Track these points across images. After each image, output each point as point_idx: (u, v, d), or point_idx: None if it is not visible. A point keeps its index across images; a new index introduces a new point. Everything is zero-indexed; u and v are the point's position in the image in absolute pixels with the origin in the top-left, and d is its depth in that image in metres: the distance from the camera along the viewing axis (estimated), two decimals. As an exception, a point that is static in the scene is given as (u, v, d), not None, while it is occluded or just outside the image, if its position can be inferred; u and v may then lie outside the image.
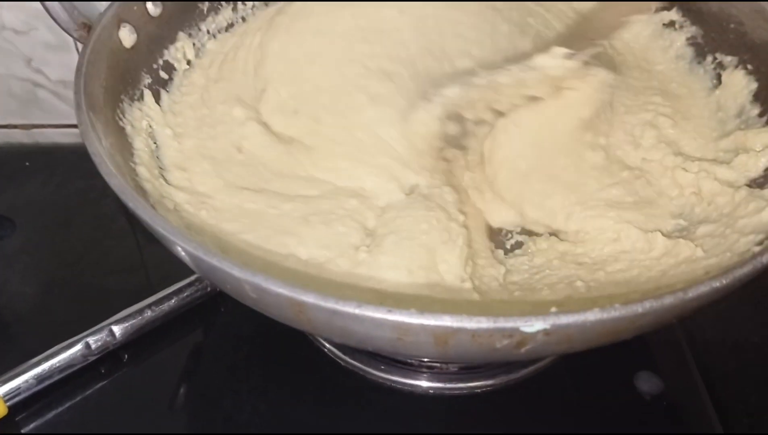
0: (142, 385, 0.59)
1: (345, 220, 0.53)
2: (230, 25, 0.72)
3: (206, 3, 0.69)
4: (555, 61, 0.56)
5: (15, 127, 0.87)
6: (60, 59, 0.81)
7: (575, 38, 0.63)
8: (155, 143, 0.59)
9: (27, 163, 0.80)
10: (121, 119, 0.56)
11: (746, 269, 0.40)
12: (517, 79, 0.57)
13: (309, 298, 0.38)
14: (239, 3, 0.72)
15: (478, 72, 0.58)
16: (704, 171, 0.58)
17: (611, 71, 0.61)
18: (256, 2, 0.73)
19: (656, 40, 0.72)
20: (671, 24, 0.71)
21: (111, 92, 0.56)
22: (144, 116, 0.59)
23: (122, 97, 0.58)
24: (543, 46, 0.60)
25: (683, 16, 0.70)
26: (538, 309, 0.46)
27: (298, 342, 0.60)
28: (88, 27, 0.57)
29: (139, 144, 0.56)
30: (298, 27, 0.66)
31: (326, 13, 0.65)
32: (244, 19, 0.73)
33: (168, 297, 0.61)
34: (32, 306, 0.65)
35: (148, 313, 0.60)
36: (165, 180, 0.57)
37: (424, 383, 0.59)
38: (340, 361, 0.60)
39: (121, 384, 0.59)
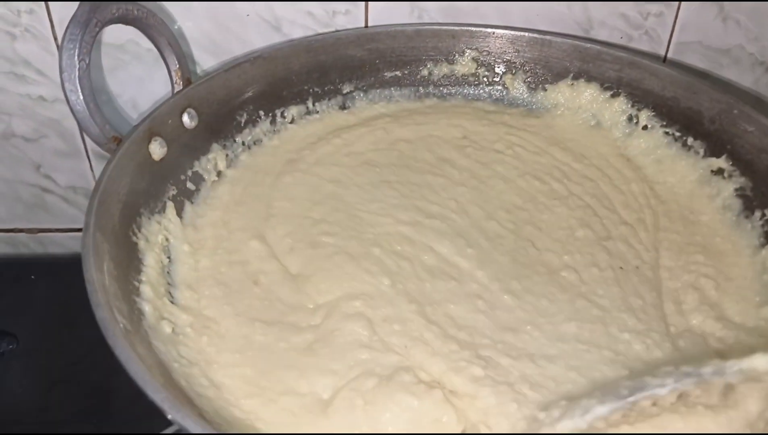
0: None
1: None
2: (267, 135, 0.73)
3: (244, 115, 0.71)
4: None
5: (21, 231, 0.86)
6: (70, 165, 0.81)
7: None
8: (169, 258, 0.59)
9: (32, 277, 0.80)
10: (135, 234, 0.56)
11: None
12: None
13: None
14: (278, 117, 0.73)
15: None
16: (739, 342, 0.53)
17: None
18: (294, 115, 0.74)
19: (703, 187, 0.68)
20: (720, 172, 0.68)
21: (129, 207, 0.56)
22: (162, 230, 0.60)
23: (141, 211, 0.58)
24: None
25: (732, 165, 0.67)
26: None
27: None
28: (118, 140, 0.58)
29: (150, 260, 0.56)
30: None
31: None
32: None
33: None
34: (38, 415, 0.64)
35: None
36: (171, 297, 0.56)
37: None
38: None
39: None
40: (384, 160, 0.71)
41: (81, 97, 0.55)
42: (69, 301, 0.72)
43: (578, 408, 0.43)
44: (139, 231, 0.57)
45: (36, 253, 0.87)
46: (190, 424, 0.37)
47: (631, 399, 0.42)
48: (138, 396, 0.60)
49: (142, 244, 0.57)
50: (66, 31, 0.56)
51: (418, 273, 0.58)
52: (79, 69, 0.55)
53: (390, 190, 0.67)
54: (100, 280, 0.46)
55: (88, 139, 0.78)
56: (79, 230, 0.85)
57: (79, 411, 0.63)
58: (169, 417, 0.38)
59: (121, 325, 0.44)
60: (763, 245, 0.62)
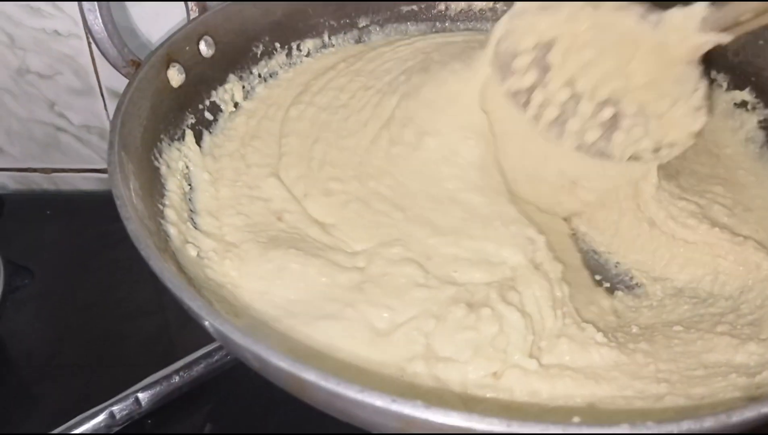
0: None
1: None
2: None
3: (260, 46, 0.69)
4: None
5: (35, 170, 0.84)
6: (84, 104, 0.79)
7: None
8: (190, 185, 0.58)
9: (48, 212, 0.79)
10: (156, 159, 0.55)
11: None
12: None
13: (310, 376, 0.35)
14: (294, 49, 0.72)
15: None
16: None
17: None
18: (310, 48, 0.73)
19: (726, 120, 0.68)
20: (743, 104, 0.67)
21: (150, 131, 0.55)
22: (182, 157, 0.59)
23: (162, 136, 0.57)
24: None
25: (756, 97, 0.66)
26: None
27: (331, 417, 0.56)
28: (137, 64, 0.57)
29: (172, 185, 0.56)
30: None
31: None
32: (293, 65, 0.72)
33: (197, 362, 0.57)
34: (52, 359, 0.63)
35: (176, 379, 0.56)
36: (194, 223, 0.55)
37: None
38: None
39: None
40: (380, 82, 0.69)
41: (99, 18, 0.54)
42: (83, 242, 0.74)
43: None
44: (161, 156, 0.56)
45: (49, 191, 0.86)
46: (230, 329, 0.37)
47: None
48: (151, 343, 0.62)
49: (164, 169, 0.56)
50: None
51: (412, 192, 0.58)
52: (98, -10, 0.54)
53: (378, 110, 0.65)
54: (128, 197, 0.45)
55: (102, 77, 0.76)
56: (93, 171, 0.84)
57: (91, 358, 0.63)
58: (206, 323, 0.38)
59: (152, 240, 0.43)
60: (787, 176, 0.61)
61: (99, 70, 0.75)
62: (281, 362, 0.36)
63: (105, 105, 0.79)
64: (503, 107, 0.57)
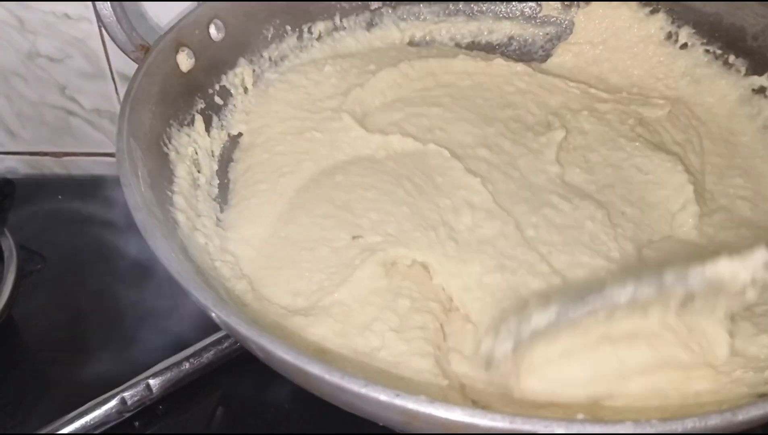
0: (179, 440, 0.56)
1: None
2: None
3: (271, 29, 0.69)
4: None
5: (46, 154, 0.84)
6: (95, 87, 0.78)
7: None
8: (199, 171, 0.58)
9: (59, 197, 0.79)
10: (166, 145, 0.55)
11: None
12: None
13: (314, 369, 0.35)
14: (305, 33, 0.71)
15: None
16: None
17: None
18: (321, 31, 0.72)
19: (743, 107, 0.66)
20: (761, 90, 0.65)
21: (159, 117, 0.55)
22: (191, 142, 0.59)
23: (171, 121, 0.57)
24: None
25: (776, 82, 0.65)
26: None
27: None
28: (146, 48, 0.56)
29: (182, 171, 0.55)
30: None
31: None
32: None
33: (206, 349, 0.58)
34: (64, 344, 0.63)
35: (186, 366, 0.57)
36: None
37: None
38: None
39: (158, 439, 0.56)
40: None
41: (108, 2, 0.53)
42: (95, 226, 0.73)
43: (537, 316, 0.41)
44: (170, 142, 0.56)
45: (60, 175, 0.86)
46: (235, 321, 0.37)
47: (587, 308, 0.41)
48: (162, 328, 0.61)
49: (173, 155, 0.56)
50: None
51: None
52: (105, -27, 0.53)
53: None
54: (136, 185, 0.45)
55: (113, 60, 0.76)
56: (104, 155, 0.84)
57: (102, 343, 0.63)
58: (213, 315, 0.38)
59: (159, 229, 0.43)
60: (805, 164, 0.60)
61: (110, 53, 0.75)
62: (286, 355, 0.36)
63: (116, 89, 0.79)
64: None
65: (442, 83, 0.68)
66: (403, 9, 0.76)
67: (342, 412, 0.51)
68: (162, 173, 0.53)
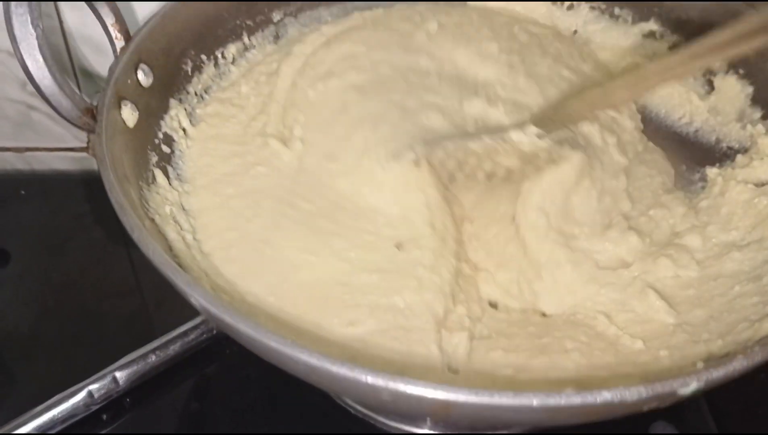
0: (146, 431, 0.57)
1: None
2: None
3: (189, 62, 0.64)
4: (527, 138, 0.55)
5: (8, 150, 0.82)
6: None
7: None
8: (182, 229, 0.54)
9: (22, 192, 0.78)
10: (147, 210, 0.51)
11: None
12: (488, 147, 0.55)
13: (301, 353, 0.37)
14: (220, 58, 0.68)
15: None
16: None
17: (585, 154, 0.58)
18: (234, 53, 0.69)
19: (638, 52, 0.73)
20: (651, 34, 0.72)
21: (134, 184, 0.50)
22: (164, 201, 0.54)
23: (140, 184, 0.52)
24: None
25: (662, 25, 0.72)
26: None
27: (306, 387, 0.56)
28: (91, 112, 0.51)
29: (172, 234, 0.51)
30: None
31: None
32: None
33: (173, 341, 0.59)
34: (30, 339, 0.63)
35: (153, 358, 0.58)
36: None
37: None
38: (349, 408, 0.58)
39: (125, 432, 0.57)
40: None
41: (47, 71, 0.48)
42: (59, 222, 0.74)
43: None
44: (149, 206, 0.51)
45: (23, 171, 0.83)
46: (221, 309, 0.38)
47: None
48: (128, 322, 0.62)
49: (157, 218, 0.51)
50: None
51: None
52: (36, 36, 0.47)
53: None
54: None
55: (75, 56, 0.74)
56: (66, 150, 0.82)
57: (69, 338, 0.63)
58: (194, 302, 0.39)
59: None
60: (708, 92, 0.68)
61: (71, 49, 0.72)
62: (271, 341, 0.37)
63: (78, 84, 0.76)
64: None
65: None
66: (305, 16, 0.75)
67: (313, 403, 0.57)
68: (162, 243, 0.49)
